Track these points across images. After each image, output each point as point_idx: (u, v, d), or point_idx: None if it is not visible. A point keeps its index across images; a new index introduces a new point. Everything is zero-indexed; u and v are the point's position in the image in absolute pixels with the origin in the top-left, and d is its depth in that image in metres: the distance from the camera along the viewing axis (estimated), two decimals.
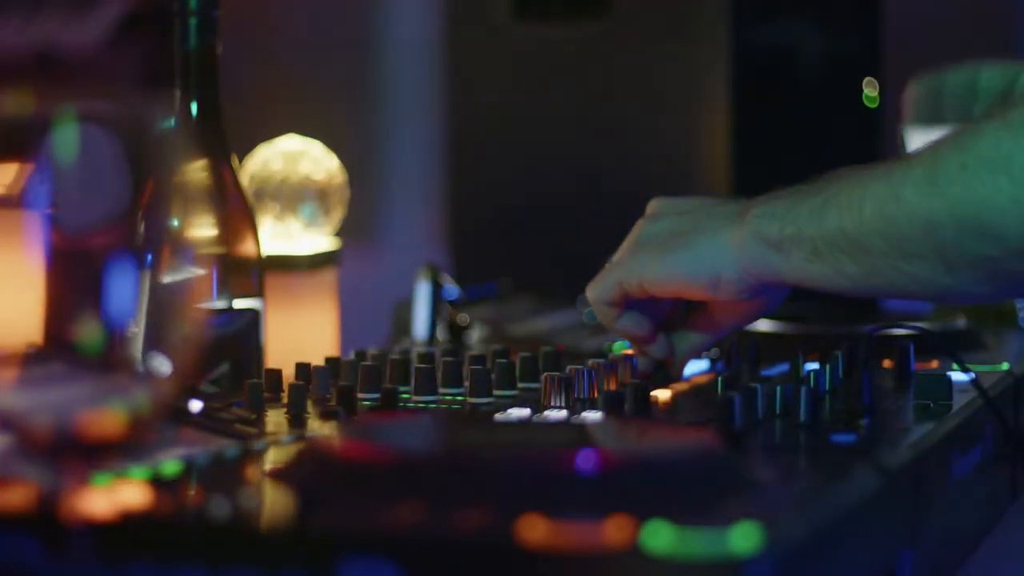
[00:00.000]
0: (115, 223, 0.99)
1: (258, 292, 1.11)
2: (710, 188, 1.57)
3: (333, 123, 1.99)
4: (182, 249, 0.70)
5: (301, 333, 1.22)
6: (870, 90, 1.72)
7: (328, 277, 1.25)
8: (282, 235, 1.25)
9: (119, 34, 2.20)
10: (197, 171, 1.07)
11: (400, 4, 2.27)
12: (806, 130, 1.63)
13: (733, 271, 0.96)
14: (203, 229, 0.88)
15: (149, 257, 0.84)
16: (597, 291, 1.02)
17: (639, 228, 1.02)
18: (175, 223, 0.91)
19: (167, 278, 0.71)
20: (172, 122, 1.08)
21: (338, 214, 1.27)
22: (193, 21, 1.09)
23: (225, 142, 1.11)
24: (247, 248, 1.11)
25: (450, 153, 1.73)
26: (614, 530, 0.60)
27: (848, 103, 1.73)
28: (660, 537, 0.59)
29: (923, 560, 0.82)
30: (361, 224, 1.28)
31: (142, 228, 0.99)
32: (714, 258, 0.96)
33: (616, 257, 1.02)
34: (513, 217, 1.66)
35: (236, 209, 1.11)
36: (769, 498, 0.69)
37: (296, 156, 1.26)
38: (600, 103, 1.62)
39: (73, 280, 0.76)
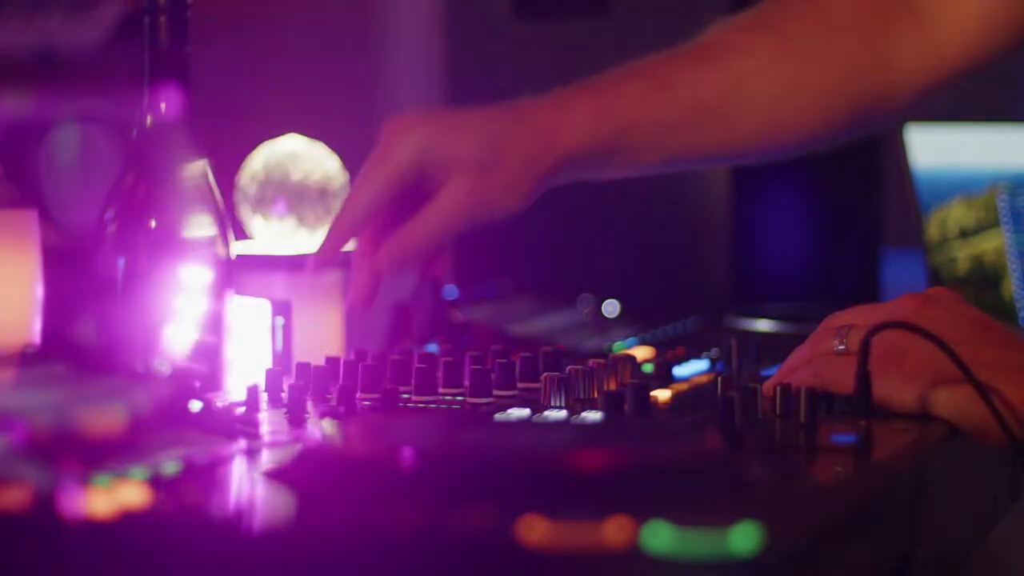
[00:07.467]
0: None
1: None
2: (708, 186, 1.57)
3: (333, 123, 1.99)
4: (150, 248, 0.70)
5: (303, 333, 1.22)
6: None
7: (332, 277, 1.25)
8: (283, 234, 1.25)
9: (119, 34, 2.20)
10: (166, 170, 1.07)
11: (400, 4, 2.27)
12: None
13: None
14: (171, 227, 0.88)
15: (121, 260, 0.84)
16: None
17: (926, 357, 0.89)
18: (149, 222, 0.91)
19: (134, 276, 0.71)
20: (147, 122, 1.08)
21: None
22: (163, 19, 1.08)
23: (196, 141, 1.09)
24: (217, 247, 1.09)
25: None
26: (614, 530, 0.60)
27: None
28: (660, 537, 0.59)
29: (923, 560, 0.82)
30: None
31: (113, 227, 0.99)
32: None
33: (910, 365, 0.90)
34: (513, 217, 1.66)
35: (206, 208, 1.09)
36: (769, 498, 0.69)
37: (298, 156, 1.26)
38: None
39: (72, 280, 0.76)
